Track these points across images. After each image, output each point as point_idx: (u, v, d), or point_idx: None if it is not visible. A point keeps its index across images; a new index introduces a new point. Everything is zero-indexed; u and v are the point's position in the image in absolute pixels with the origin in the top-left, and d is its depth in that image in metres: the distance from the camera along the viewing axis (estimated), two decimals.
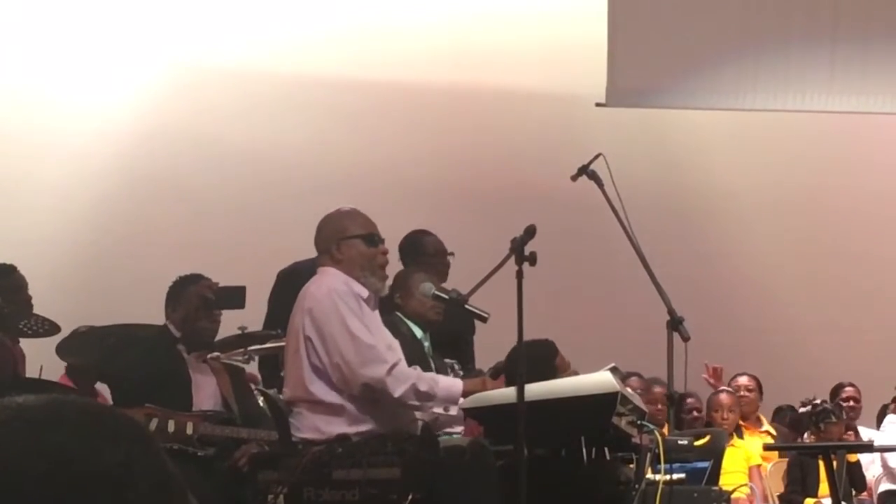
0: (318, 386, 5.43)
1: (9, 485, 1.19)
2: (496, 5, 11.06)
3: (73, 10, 10.51)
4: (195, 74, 10.67)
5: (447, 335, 6.70)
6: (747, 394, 9.42)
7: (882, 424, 9.44)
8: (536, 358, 5.50)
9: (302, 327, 5.46)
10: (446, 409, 5.67)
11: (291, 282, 7.04)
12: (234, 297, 6.39)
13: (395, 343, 5.63)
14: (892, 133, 11.36)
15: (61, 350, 7.05)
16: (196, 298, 6.24)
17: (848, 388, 9.85)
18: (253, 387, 6.74)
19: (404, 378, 5.39)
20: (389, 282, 5.87)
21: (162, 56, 10.67)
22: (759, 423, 9.46)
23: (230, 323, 7.02)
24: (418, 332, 6.08)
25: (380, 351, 5.40)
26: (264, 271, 7.49)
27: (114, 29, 10.58)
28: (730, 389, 9.31)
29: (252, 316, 7.28)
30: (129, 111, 10.56)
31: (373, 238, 5.64)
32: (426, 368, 5.95)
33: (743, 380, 9.51)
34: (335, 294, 5.44)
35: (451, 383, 5.60)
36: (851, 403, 9.67)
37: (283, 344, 6.12)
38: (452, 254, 7.14)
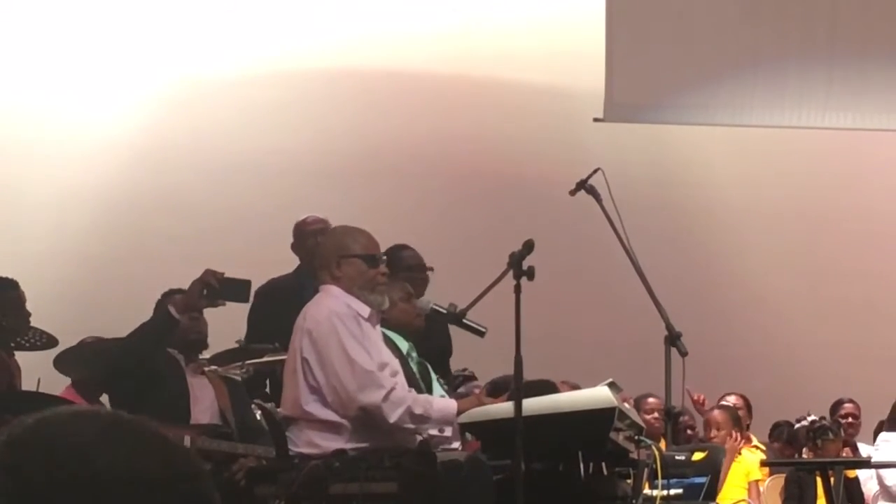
0: (314, 406, 5.43)
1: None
2: (497, 16, 11.06)
3: (73, 24, 10.51)
4: (194, 87, 10.67)
5: (436, 351, 6.71)
6: None
7: (876, 442, 9.43)
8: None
9: (300, 348, 5.45)
10: (441, 431, 5.67)
11: (268, 298, 7.06)
12: (239, 290, 6.29)
13: (395, 362, 5.62)
14: (890, 149, 11.37)
15: (60, 362, 7.04)
16: (200, 285, 6.17)
17: (847, 405, 9.83)
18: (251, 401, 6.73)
19: (399, 402, 5.38)
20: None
21: (160, 69, 10.67)
22: (747, 441, 9.45)
23: (228, 336, 7.02)
24: (403, 346, 6.06)
25: (377, 376, 5.39)
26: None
27: (112, 42, 10.58)
28: (727, 404, 9.31)
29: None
30: (128, 124, 10.57)
31: (374, 259, 5.63)
32: (415, 389, 5.93)
33: (730, 399, 9.50)
34: (335, 316, 5.43)
35: (445, 405, 5.60)
36: (850, 420, 9.66)
37: (280, 358, 6.12)
38: (431, 269, 7.16)
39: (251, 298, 6.55)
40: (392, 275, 6.79)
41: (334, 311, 5.45)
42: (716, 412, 9.11)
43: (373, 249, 5.65)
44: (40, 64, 10.51)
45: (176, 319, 6.13)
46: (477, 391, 6.90)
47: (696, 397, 9.41)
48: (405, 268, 6.90)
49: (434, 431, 5.64)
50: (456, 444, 5.83)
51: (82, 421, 1.33)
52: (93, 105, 10.57)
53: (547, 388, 5.99)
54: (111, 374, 6.33)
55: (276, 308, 6.08)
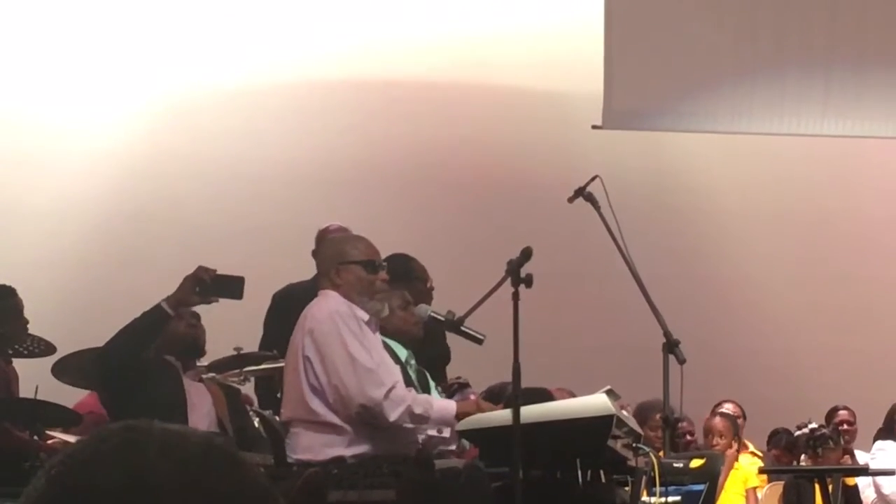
0: (316, 404, 5.46)
1: None
2: (495, 24, 11.07)
3: (73, 32, 10.52)
4: (194, 96, 10.67)
5: (436, 360, 6.71)
6: None
7: (871, 451, 9.44)
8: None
9: (301, 347, 5.48)
10: (440, 431, 5.68)
11: (286, 303, 7.04)
12: (233, 286, 6.15)
13: (396, 368, 5.64)
14: (888, 157, 11.38)
15: (58, 370, 7.04)
16: (192, 281, 6.05)
17: (842, 412, 9.84)
18: (248, 408, 6.73)
19: (400, 401, 5.41)
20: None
21: (160, 79, 10.68)
22: (744, 447, 9.47)
23: (226, 344, 7.02)
24: (402, 353, 6.07)
25: (378, 374, 5.42)
26: (265, 293, 7.47)
27: (112, 51, 10.59)
28: (727, 412, 9.31)
29: (248, 337, 7.28)
30: (128, 133, 10.57)
31: (373, 264, 5.65)
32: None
33: (727, 407, 9.51)
34: (336, 316, 5.46)
35: (445, 406, 5.63)
36: (845, 427, 9.67)
37: (279, 365, 6.12)
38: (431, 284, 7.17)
39: (242, 296, 6.49)
40: (398, 284, 6.81)
41: (335, 310, 5.49)
42: (717, 420, 9.11)
43: (372, 255, 5.68)
44: (40, 72, 10.52)
45: (167, 313, 6.00)
46: (472, 396, 6.91)
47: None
48: (413, 278, 6.90)
49: (433, 432, 5.66)
50: (454, 446, 5.84)
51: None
52: (93, 114, 10.58)
53: (541, 396, 5.99)
54: (103, 370, 6.28)
55: (294, 313, 6.04)
